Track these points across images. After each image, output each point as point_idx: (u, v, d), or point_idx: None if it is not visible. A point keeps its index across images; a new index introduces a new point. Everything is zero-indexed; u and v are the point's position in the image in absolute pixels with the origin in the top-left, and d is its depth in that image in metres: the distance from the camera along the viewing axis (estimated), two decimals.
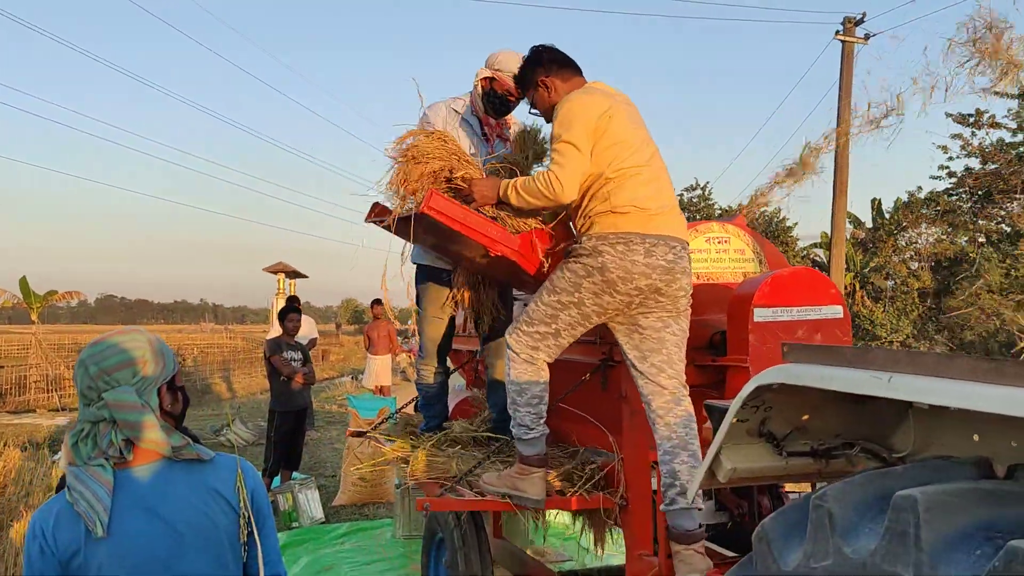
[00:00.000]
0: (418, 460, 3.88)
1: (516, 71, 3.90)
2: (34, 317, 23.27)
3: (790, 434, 2.15)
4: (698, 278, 3.77)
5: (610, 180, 3.22)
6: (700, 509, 3.16)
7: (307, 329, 11.32)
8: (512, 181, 3.37)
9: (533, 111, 3.69)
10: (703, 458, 3.20)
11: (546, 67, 3.55)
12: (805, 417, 2.11)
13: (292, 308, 9.48)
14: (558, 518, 6.82)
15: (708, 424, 2.41)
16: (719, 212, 29.51)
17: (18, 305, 23.27)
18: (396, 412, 5.08)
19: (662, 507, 3.20)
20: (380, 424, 5.21)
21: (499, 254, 3.45)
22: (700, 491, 3.15)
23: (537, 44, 3.64)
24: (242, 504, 2.10)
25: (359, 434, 5.04)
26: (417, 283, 4.29)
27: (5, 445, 9.38)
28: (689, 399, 3.27)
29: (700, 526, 3.15)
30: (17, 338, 30.51)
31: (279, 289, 30.20)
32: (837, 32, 16.29)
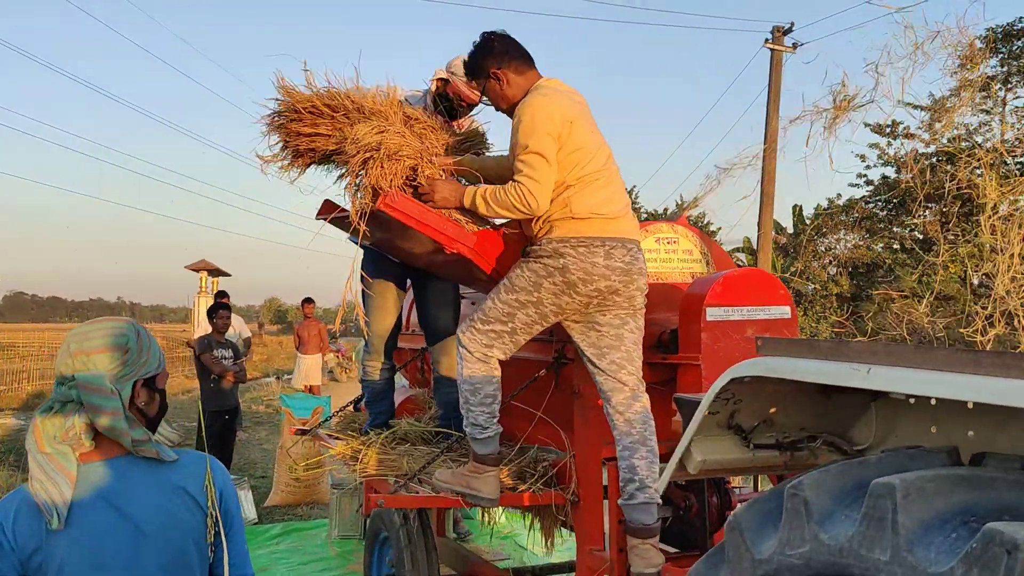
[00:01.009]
0: (369, 458, 3.85)
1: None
2: None
3: (757, 427, 2.21)
4: (647, 277, 3.83)
5: (570, 187, 3.22)
6: (660, 503, 3.20)
7: (238, 327, 11.15)
8: (479, 190, 3.34)
9: (483, 100, 3.64)
10: (674, 450, 3.26)
11: (498, 58, 3.44)
12: (773, 410, 2.17)
13: (221, 305, 9.31)
14: (500, 517, 6.85)
15: (677, 417, 2.46)
16: (645, 216, 29.93)
17: None
18: (341, 410, 5.04)
19: (620, 501, 3.23)
20: (324, 422, 5.16)
21: (455, 252, 3.45)
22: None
23: (489, 31, 3.52)
24: (210, 504, 2.07)
25: (303, 432, 4.98)
26: (364, 272, 4.23)
27: None
28: (647, 395, 3.31)
29: (657, 520, 3.20)
30: None
31: (201, 287, 29.62)
32: (766, 40, 16.69)
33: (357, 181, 3.41)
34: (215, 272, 30.06)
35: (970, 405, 1.51)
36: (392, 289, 4.24)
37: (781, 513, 1.77)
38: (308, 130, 3.52)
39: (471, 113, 4.10)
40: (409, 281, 4.40)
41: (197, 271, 29.55)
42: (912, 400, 1.74)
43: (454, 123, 4.16)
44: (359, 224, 3.34)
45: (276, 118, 3.61)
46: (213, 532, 2.07)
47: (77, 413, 1.95)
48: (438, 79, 4.06)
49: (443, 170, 3.52)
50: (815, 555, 1.67)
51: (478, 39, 3.53)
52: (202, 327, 9.80)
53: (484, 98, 3.66)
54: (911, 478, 1.53)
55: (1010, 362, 1.46)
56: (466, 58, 3.60)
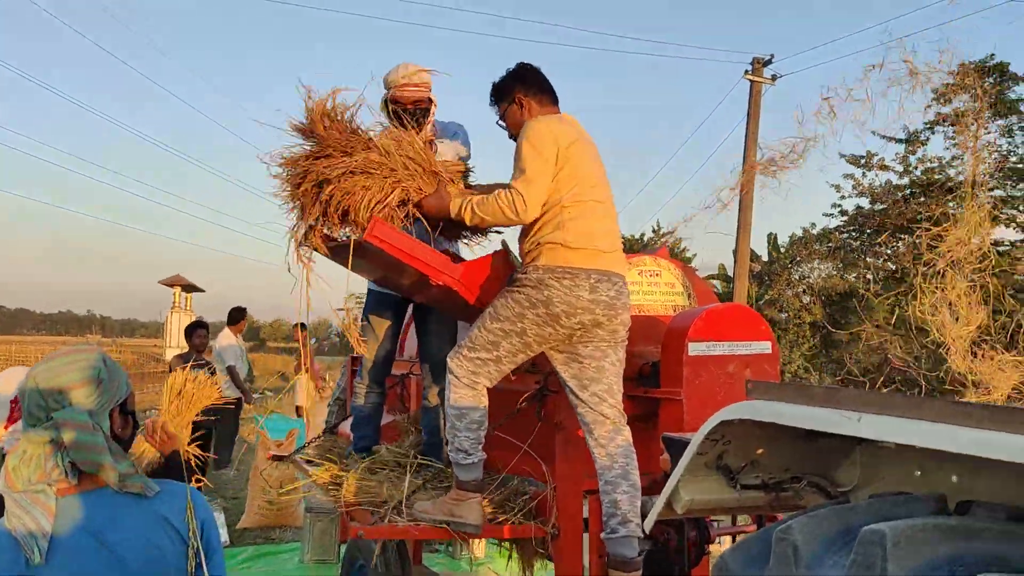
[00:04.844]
0: (349, 484, 3.82)
1: (401, 79, 3.91)
2: None
3: (744, 468, 2.22)
4: (630, 310, 3.85)
5: (566, 209, 3.25)
6: (642, 538, 3.21)
7: (231, 356, 10.44)
8: (467, 200, 3.36)
9: (500, 123, 3.66)
10: (655, 482, 3.26)
11: (527, 86, 3.57)
12: (760, 451, 2.19)
13: (200, 324, 9.26)
14: (477, 548, 6.82)
15: (665, 455, 2.48)
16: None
17: None
18: (318, 438, 5.00)
19: (603, 535, 3.24)
20: (300, 449, 5.12)
21: (440, 283, 3.46)
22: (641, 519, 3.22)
23: (524, 62, 3.64)
24: (192, 535, 2.05)
25: (280, 458, 4.94)
26: (366, 308, 4.30)
27: None
28: (628, 429, 3.33)
29: (639, 554, 3.20)
30: None
31: (175, 303, 29.41)
32: (746, 72, 16.91)
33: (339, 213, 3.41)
34: (189, 288, 29.87)
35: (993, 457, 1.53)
36: (388, 320, 4.27)
37: (768, 556, 1.78)
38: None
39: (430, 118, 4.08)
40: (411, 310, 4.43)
41: (171, 286, 29.36)
42: (895, 445, 1.77)
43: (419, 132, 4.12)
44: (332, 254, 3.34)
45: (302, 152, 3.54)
46: (194, 563, 2.05)
47: (59, 453, 1.92)
48: (384, 102, 4.07)
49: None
50: None
51: (513, 67, 3.65)
52: (176, 343, 9.69)
53: (502, 121, 3.66)
54: (901, 526, 1.55)
55: (998, 415, 1.49)
56: (495, 81, 3.67)
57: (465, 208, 3.35)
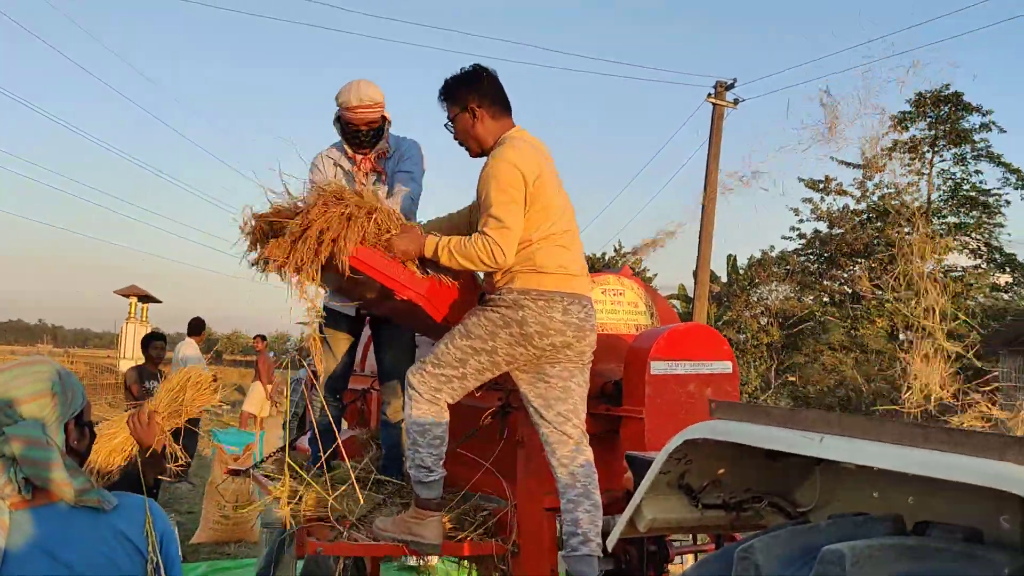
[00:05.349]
0: (308, 499, 3.79)
1: (353, 101, 3.89)
2: None
3: (706, 487, 2.25)
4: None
5: (533, 243, 3.26)
6: (602, 556, 3.21)
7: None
8: (444, 241, 3.31)
9: (448, 126, 3.55)
10: (617, 500, 3.27)
11: (481, 94, 3.44)
12: (721, 471, 2.22)
13: (156, 335, 9.14)
14: (435, 562, 6.77)
15: (628, 474, 2.49)
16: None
17: None
18: (278, 451, 4.95)
19: (563, 554, 3.24)
20: (259, 464, 5.06)
21: (405, 298, 3.45)
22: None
23: (480, 65, 3.52)
24: (150, 549, 2.02)
25: (237, 472, 4.88)
26: (324, 324, 4.27)
27: None
28: (590, 448, 3.34)
29: (599, 573, 3.21)
30: None
31: (130, 313, 28.96)
32: (709, 95, 17.11)
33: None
34: (145, 298, 29.45)
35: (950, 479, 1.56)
36: (343, 333, 4.24)
37: (729, 575, 1.80)
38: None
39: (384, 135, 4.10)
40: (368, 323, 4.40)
41: (127, 296, 28.91)
42: (855, 466, 1.80)
43: (371, 153, 4.11)
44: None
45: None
46: None
47: (12, 468, 1.89)
48: (335, 120, 4.07)
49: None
50: None
51: (468, 67, 3.51)
52: (131, 354, 9.56)
53: (449, 123, 3.55)
54: (860, 546, 1.58)
55: (954, 438, 1.52)
56: (448, 79, 3.53)
57: (442, 249, 3.31)
